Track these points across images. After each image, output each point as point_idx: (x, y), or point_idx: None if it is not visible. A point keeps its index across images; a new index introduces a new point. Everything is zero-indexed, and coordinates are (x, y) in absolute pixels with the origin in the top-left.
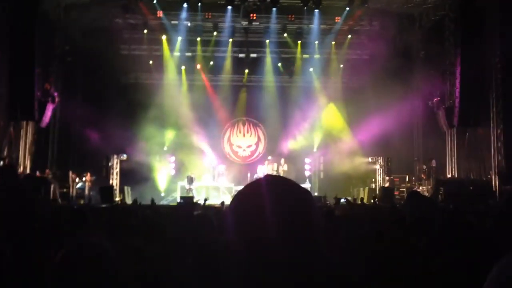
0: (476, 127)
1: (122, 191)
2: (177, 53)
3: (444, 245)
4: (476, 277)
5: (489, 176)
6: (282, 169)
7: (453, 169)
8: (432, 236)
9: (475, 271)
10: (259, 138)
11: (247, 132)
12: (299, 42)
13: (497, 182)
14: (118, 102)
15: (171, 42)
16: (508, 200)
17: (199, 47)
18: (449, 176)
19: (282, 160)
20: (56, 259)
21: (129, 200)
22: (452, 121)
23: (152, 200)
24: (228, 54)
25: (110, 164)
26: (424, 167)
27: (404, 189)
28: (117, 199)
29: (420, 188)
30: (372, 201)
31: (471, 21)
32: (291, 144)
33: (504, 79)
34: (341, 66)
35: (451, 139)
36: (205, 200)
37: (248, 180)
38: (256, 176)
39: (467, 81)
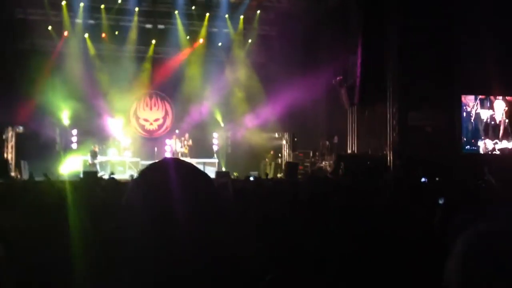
0: (374, 105)
1: (18, 165)
2: (79, 20)
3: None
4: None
5: (385, 152)
6: (188, 143)
7: (353, 145)
8: (326, 214)
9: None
10: (166, 112)
11: (154, 105)
12: (207, 15)
13: (391, 158)
14: (13, 70)
15: (72, 8)
16: (396, 183)
17: (103, 15)
18: (349, 151)
19: (187, 135)
20: None
21: (25, 175)
22: (353, 100)
23: (46, 175)
24: (134, 24)
25: (4, 137)
26: (327, 143)
27: (308, 164)
28: (13, 174)
29: (323, 163)
30: (278, 176)
31: (374, 3)
32: (198, 118)
33: (401, 60)
34: (250, 41)
35: (352, 116)
36: (112, 174)
37: (155, 155)
38: (165, 149)
39: (367, 61)
